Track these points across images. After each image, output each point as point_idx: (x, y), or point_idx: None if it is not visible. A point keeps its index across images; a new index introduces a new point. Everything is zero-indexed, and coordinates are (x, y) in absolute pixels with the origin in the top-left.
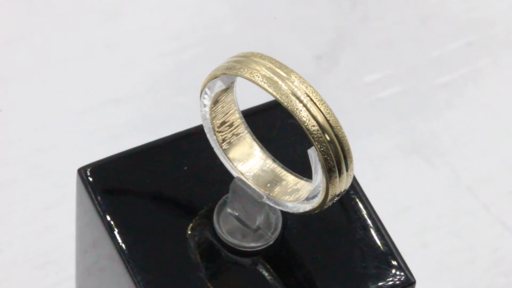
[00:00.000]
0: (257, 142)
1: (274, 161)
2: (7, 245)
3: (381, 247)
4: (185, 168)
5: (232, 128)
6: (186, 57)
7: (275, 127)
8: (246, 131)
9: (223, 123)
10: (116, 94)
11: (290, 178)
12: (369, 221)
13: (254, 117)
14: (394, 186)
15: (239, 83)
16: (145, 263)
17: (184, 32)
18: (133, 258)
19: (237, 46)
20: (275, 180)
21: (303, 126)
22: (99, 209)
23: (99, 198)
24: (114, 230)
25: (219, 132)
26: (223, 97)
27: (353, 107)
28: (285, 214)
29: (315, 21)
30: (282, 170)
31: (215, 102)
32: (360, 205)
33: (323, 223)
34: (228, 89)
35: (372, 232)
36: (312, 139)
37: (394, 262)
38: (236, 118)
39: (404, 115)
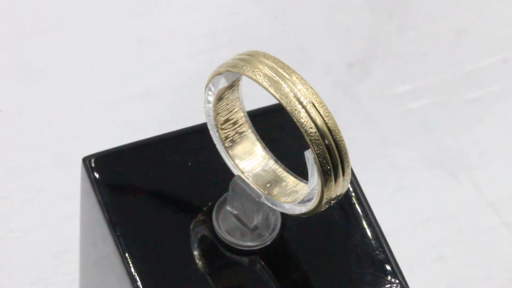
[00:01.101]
0: (260, 142)
1: (276, 161)
2: (24, 232)
3: (379, 255)
4: (189, 164)
5: (236, 126)
6: (217, 57)
7: (281, 128)
8: (250, 130)
9: (227, 120)
10: (145, 89)
11: (290, 180)
12: (368, 228)
13: (261, 118)
14: (417, 197)
15: (248, 83)
16: (141, 254)
17: (217, 31)
18: (130, 250)
19: (270, 48)
20: (275, 181)
21: (301, 128)
22: (99, 198)
23: (101, 187)
24: (113, 221)
25: (223, 129)
26: (228, 95)
27: (381, 116)
28: (284, 215)
29: (350, 28)
30: (283, 171)
31: (220, 98)
32: (361, 211)
33: (322, 226)
34: (233, 86)
35: (371, 239)
36: (309, 141)
37: (390, 271)
38: (241, 116)
39: (432, 128)
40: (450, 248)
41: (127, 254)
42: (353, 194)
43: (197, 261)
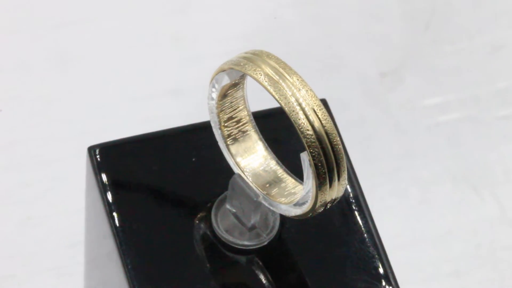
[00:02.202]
0: (262, 142)
1: (277, 162)
2: (42, 220)
3: (375, 263)
4: (194, 159)
5: (239, 124)
6: None
7: (286, 130)
8: (253, 130)
9: (230, 118)
10: (175, 85)
11: (290, 181)
12: (367, 236)
13: (267, 119)
14: (438, 211)
15: (256, 84)
16: (138, 246)
17: (250, 33)
18: (127, 242)
19: (303, 54)
20: (275, 181)
21: (298, 129)
22: (101, 188)
23: (103, 177)
24: (113, 212)
25: (226, 127)
26: (232, 92)
27: (409, 127)
28: (284, 217)
29: (385, 38)
30: (284, 173)
31: (224, 96)
32: (361, 218)
33: (321, 230)
34: (237, 84)
35: (369, 247)
36: (305, 143)
37: (385, 279)
38: (244, 115)
39: (459, 142)
40: (467, 264)
41: (124, 245)
42: (353, 200)
43: (193, 257)
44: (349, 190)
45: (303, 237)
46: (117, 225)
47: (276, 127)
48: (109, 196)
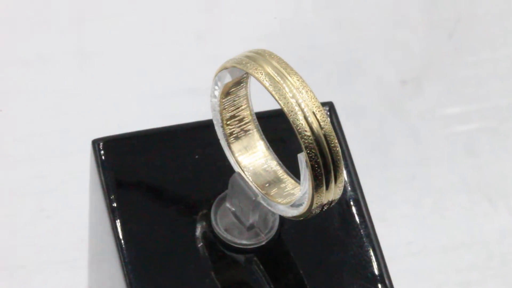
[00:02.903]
0: (264, 142)
1: (278, 163)
2: (55, 213)
3: (373, 268)
4: (197, 157)
5: (242, 123)
6: None
7: (289, 131)
8: (255, 129)
9: (233, 116)
10: (196, 84)
11: (289, 182)
12: (366, 241)
13: (272, 119)
14: (452, 220)
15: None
16: (136, 241)
17: (274, 34)
18: (125, 236)
19: (324, 58)
20: (275, 182)
21: (296, 130)
22: (103, 182)
23: (105, 171)
24: (113, 205)
25: (228, 125)
26: (235, 91)
27: (427, 136)
28: (283, 217)
29: (408, 45)
30: (284, 173)
31: (227, 94)
32: (361, 222)
33: (320, 232)
34: (241, 83)
35: (368, 252)
36: (302, 144)
37: (382, 286)
38: (247, 114)
39: (476, 153)
40: (478, 275)
41: (122, 239)
42: (354, 204)
43: (191, 254)
44: (351, 193)
45: (302, 238)
46: (117, 218)
47: (280, 128)
48: (110, 189)
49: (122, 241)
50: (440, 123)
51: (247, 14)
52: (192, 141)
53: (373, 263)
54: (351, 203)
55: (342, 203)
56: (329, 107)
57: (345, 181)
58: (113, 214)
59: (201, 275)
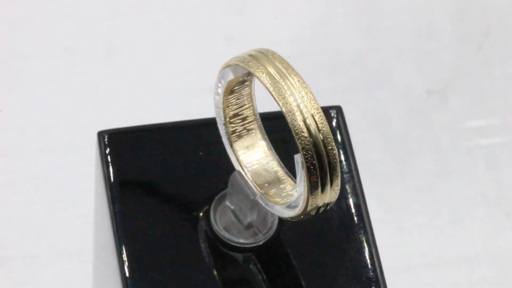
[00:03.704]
0: (267, 141)
1: (279, 163)
2: (72, 205)
3: (369, 273)
4: (201, 154)
5: (245, 122)
6: (296, 65)
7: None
8: (258, 129)
9: (236, 115)
10: None
11: (289, 183)
12: (365, 245)
13: (277, 120)
14: (468, 233)
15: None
16: (134, 234)
17: (302, 38)
18: (124, 229)
19: (351, 64)
20: (274, 182)
21: (293, 131)
22: (105, 174)
23: (109, 163)
24: (114, 198)
25: (231, 123)
26: (239, 89)
27: (449, 147)
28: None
29: (435, 56)
30: (284, 174)
31: (231, 92)
32: (361, 227)
33: (319, 235)
34: (245, 82)
35: (365, 256)
36: (299, 145)
37: None
38: (251, 113)
39: (497, 167)
40: None
41: (120, 232)
42: (355, 209)
43: (189, 250)
44: (352, 198)
45: (300, 239)
46: (116, 211)
47: (285, 129)
48: (112, 182)
49: (121, 234)
50: (463, 135)
51: (276, 17)
52: (198, 138)
53: (369, 268)
54: (352, 207)
55: (343, 207)
56: (337, 111)
57: (347, 185)
58: (113, 206)
59: (197, 272)
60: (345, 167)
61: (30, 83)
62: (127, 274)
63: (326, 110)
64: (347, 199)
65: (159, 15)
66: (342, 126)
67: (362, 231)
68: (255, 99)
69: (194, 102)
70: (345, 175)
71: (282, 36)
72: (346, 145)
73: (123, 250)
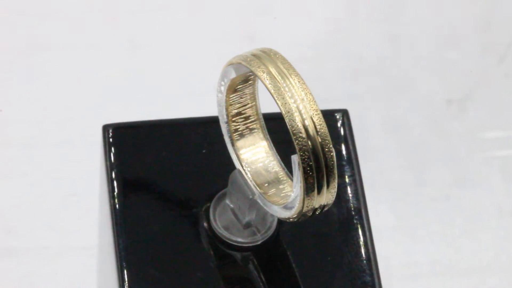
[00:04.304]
0: (268, 142)
1: (280, 164)
2: (86, 198)
3: (365, 278)
4: (204, 151)
5: (247, 121)
6: (315, 70)
7: None
8: (261, 128)
9: (239, 114)
10: None
11: (289, 184)
12: (363, 250)
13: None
14: (481, 243)
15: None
16: (133, 228)
17: (325, 42)
18: (123, 222)
19: (370, 69)
20: (274, 182)
21: (291, 131)
22: (108, 167)
23: (111, 156)
24: (114, 191)
25: (233, 121)
26: (242, 88)
27: (466, 157)
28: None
29: (457, 65)
30: (285, 175)
31: (234, 91)
32: (360, 231)
33: (318, 237)
34: (248, 81)
35: (362, 261)
36: (296, 145)
37: None
38: (253, 113)
39: None
40: None
41: (119, 225)
42: (355, 213)
43: (186, 248)
44: (353, 202)
45: (299, 241)
46: (117, 204)
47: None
48: (114, 175)
49: (119, 228)
50: (480, 145)
51: (301, 20)
52: (202, 136)
53: (366, 273)
54: (353, 212)
55: (343, 211)
56: (343, 114)
57: (348, 189)
58: (113, 200)
59: (194, 270)
60: (348, 170)
61: (50, 76)
62: (124, 268)
63: (331, 113)
64: (348, 202)
65: (182, 14)
66: (347, 130)
67: (361, 235)
68: (259, 99)
69: (213, 101)
70: (347, 179)
71: (304, 39)
72: (350, 149)
73: (120, 244)
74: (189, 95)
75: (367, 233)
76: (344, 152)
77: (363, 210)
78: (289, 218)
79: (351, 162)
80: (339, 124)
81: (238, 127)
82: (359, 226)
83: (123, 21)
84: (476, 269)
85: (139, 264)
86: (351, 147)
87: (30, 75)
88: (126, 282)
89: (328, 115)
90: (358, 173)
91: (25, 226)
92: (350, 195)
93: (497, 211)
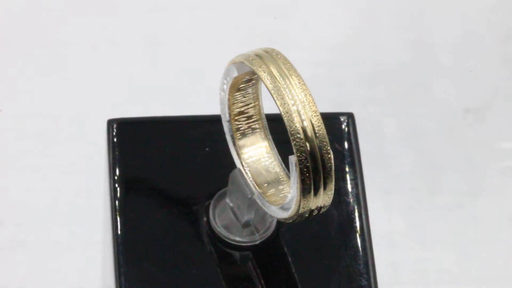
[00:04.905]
0: (270, 142)
1: (280, 164)
2: (98, 194)
3: (361, 282)
4: (207, 149)
5: (250, 121)
6: (333, 73)
7: None
8: (263, 128)
9: (242, 113)
10: None
11: (288, 185)
12: (361, 254)
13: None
14: (490, 253)
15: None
16: (131, 222)
17: (345, 46)
18: (122, 215)
19: (389, 75)
20: (274, 182)
21: (289, 131)
22: (110, 161)
23: (115, 151)
24: (115, 185)
25: (236, 120)
26: (245, 87)
27: (481, 167)
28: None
29: (477, 75)
30: (285, 176)
31: (237, 90)
32: (359, 236)
33: (316, 239)
34: (251, 80)
35: (359, 264)
36: (293, 146)
37: None
38: (256, 112)
39: None
40: None
41: (117, 219)
42: (356, 217)
43: (184, 244)
44: (354, 206)
45: (298, 242)
46: (117, 198)
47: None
48: (116, 169)
49: (118, 221)
50: (496, 155)
51: (321, 23)
52: (206, 134)
53: (363, 277)
54: (353, 215)
55: (343, 214)
56: (348, 117)
57: (350, 193)
58: (114, 193)
59: (190, 266)
60: (351, 174)
61: (68, 71)
62: (121, 262)
63: (336, 116)
64: (348, 206)
65: (202, 13)
66: (352, 133)
67: (360, 239)
68: (262, 99)
69: None
70: (349, 182)
71: (324, 42)
72: (354, 152)
73: (119, 238)
74: (206, 95)
75: (366, 238)
76: (347, 155)
77: (363, 214)
78: (286, 219)
79: (353, 166)
80: (343, 127)
81: (240, 126)
82: (358, 229)
83: (143, 19)
84: (485, 279)
85: (136, 258)
86: (355, 150)
87: (47, 69)
88: (123, 275)
89: (333, 118)
90: (360, 177)
91: (35, 219)
92: (351, 198)
93: (509, 222)
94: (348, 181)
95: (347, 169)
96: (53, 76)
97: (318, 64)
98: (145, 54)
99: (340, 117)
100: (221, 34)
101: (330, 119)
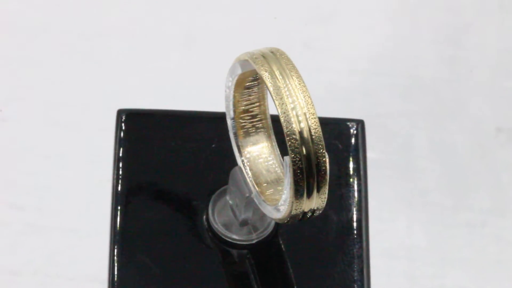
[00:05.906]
0: (273, 142)
1: (281, 165)
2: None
3: None
4: (213, 146)
5: (254, 120)
6: (367, 83)
7: None
8: (267, 128)
9: (246, 111)
10: None
11: None
12: (357, 261)
13: None
14: (510, 273)
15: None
16: (131, 215)
17: (381, 58)
18: (122, 208)
19: (422, 89)
20: (273, 183)
21: (284, 132)
22: (116, 152)
23: (122, 141)
24: (119, 176)
25: (240, 118)
26: (252, 85)
27: (507, 186)
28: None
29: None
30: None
31: (244, 88)
32: (356, 243)
33: (313, 242)
34: (257, 79)
35: (355, 271)
36: (288, 147)
37: None
38: (261, 111)
39: None
40: None
41: (117, 211)
42: (355, 223)
43: (181, 241)
44: (355, 212)
45: (295, 244)
46: (119, 188)
47: None
48: (121, 159)
49: (118, 213)
50: None
51: (360, 32)
52: (214, 130)
53: (356, 284)
54: (353, 221)
55: (343, 220)
56: (357, 124)
57: (352, 199)
58: (116, 182)
59: (184, 261)
60: (354, 181)
61: (100, 62)
62: (116, 251)
63: (346, 122)
64: (349, 212)
65: (241, 14)
66: (360, 140)
67: (357, 246)
68: (268, 99)
69: None
70: (352, 189)
71: (362, 51)
72: (360, 160)
73: (117, 227)
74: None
75: (364, 245)
76: (352, 162)
77: (363, 222)
78: (280, 220)
79: (358, 173)
80: (351, 133)
81: (244, 124)
82: (357, 237)
83: (182, 15)
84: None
85: (131, 249)
86: (361, 158)
87: (79, 59)
88: (116, 264)
89: (342, 124)
90: (364, 184)
91: (56, 206)
92: (353, 205)
93: None
94: (351, 188)
95: (351, 176)
96: (85, 66)
97: (353, 73)
98: (181, 51)
99: (349, 123)
100: (259, 37)
101: (339, 125)
